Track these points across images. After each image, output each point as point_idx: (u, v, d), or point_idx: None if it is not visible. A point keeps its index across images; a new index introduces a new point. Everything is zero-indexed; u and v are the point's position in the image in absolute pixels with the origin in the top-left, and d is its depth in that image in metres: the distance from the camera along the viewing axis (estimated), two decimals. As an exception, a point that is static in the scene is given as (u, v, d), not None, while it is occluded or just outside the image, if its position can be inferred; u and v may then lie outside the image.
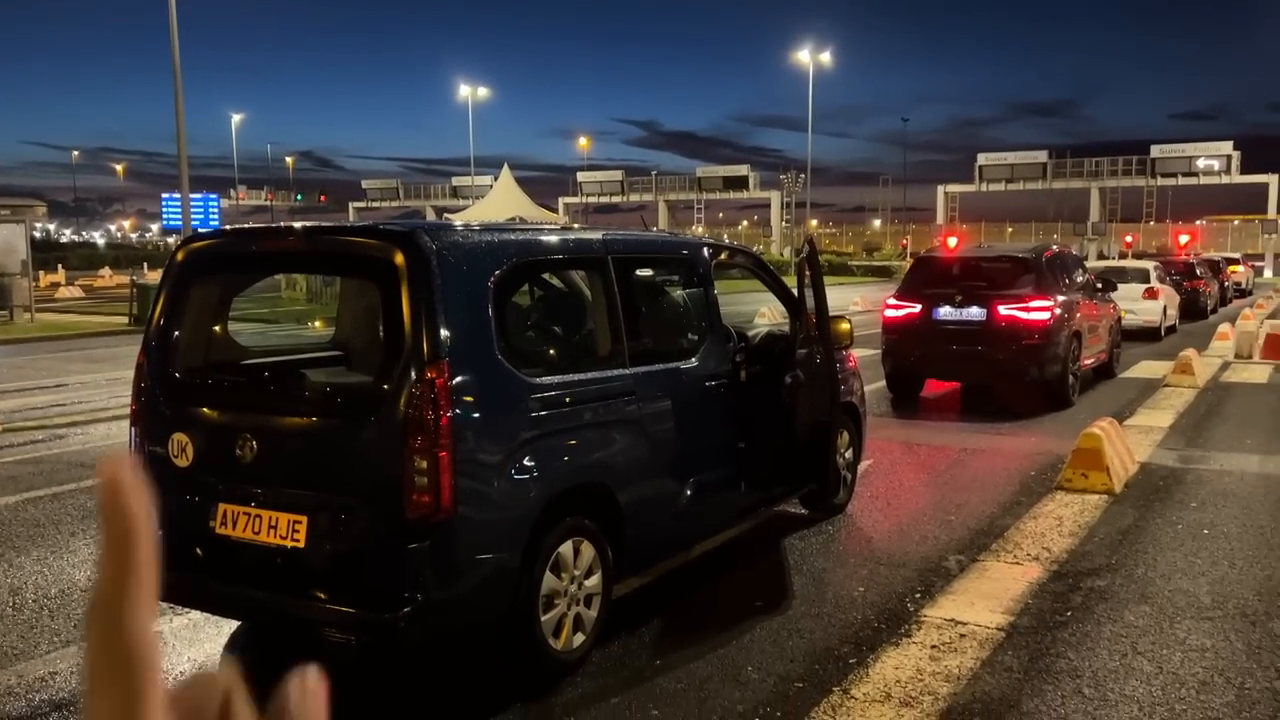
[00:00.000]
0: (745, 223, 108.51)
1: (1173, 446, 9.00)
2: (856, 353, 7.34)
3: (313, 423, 3.99)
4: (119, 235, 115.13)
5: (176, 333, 4.37)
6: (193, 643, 4.59)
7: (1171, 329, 20.73)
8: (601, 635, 4.44)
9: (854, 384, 6.99)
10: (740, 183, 79.57)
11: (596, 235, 4.91)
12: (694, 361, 5.20)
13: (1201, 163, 66.11)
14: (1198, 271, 26.16)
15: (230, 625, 4.72)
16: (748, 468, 5.59)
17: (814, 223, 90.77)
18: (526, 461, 4.00)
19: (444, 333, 3.73)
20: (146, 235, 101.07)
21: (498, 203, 38.87)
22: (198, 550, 4.11)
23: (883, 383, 11.86)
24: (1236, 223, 74.17)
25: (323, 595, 3.78)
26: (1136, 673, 4.22)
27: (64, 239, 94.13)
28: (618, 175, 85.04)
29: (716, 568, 5.74)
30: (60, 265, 46.19)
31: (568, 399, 4.28)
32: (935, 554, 5.93)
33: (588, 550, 4.33)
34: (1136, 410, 10.96)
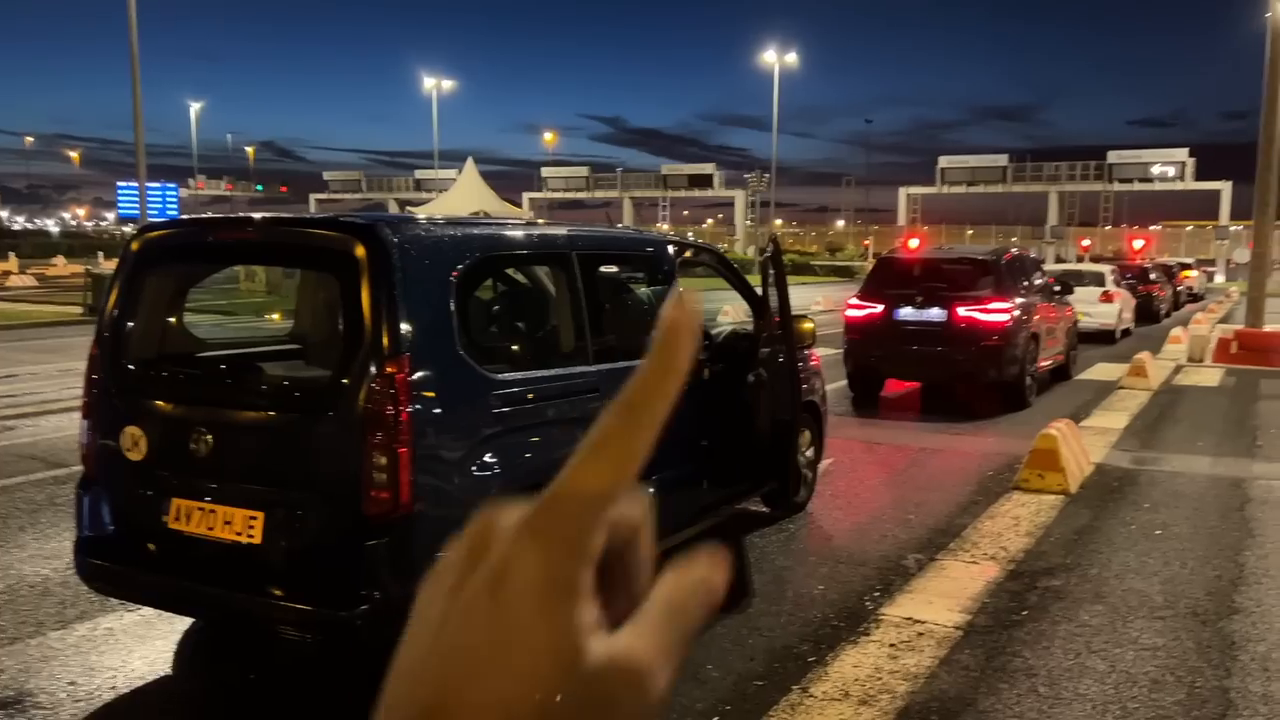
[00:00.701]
0: (710, 221, 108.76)
1: (1127, 448, 9.16)
2: (819, 352, 7.37)
3: (270, 417, 3.93)
4: (74, 223, 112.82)
5: (130, 324, 4.28)
6: (145, 640, 4.50)
7: (1127, 332, 21.09)
8: (562, 633, 4.41)
9: (816, 383, 7.02)
10: (705, 181, 79.86)
11: (561, 231, 4.89)
12: (658, 359, 5.18)
13: (1157, 169, 67.43)
14: (1152, 276, 26.64)
15: (184, 622, 4.64)
16: (710, 466, 5.59)
17: (778, 222, 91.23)
18: (488, 458, 3.96)
19: (405, 327, 3.68)
20: (102, 224, 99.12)
21: (462, 197, 38.60)
22: (151, 546, 4.03)
23: (844, 382, 11.94)
24: (1190, 228, 75.67)
25: (279, 592, 3.72)
26: (1090, 671, 4.28)
27: (16, 226, 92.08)
28: (583, 171, 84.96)
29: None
30: (12, 253, 45.13)
31: (530, 395, 4.25)
32: (894, 553, 5.98)
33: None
34: (1092, 412, 11.13)
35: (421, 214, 6.79)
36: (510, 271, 5.36)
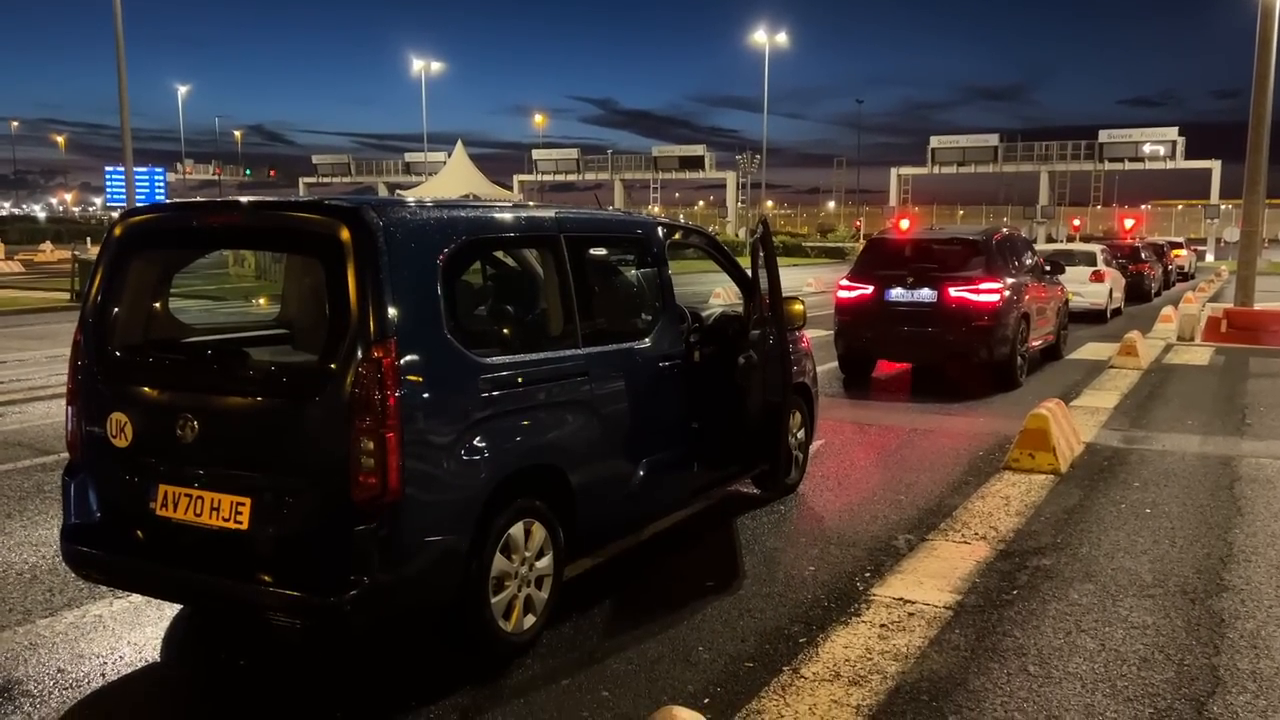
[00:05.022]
0: (701, 203, 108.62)
1: (1117, 427, 9.18)
2: (809, 333, 7.36)
3: (256, 402, 3.89)
4: (61, 209, 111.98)
5: (115, 309, 4.24)
6: (134, 626, 4.48)
7: (1117, 311, 21.15)
8: (552, 617, 4.42)
9: (807, 364, 7.01)
10: (696, 163, 79.59)
11: (549, 213, 4.85)
12: (647, 342, 5.16)
13: (1148, 148, 67.44)
14: (1142, 255, 26.69)
15: (173, 609, 4.62)
16: (700, 448, 5.58)
17: (770, 204, 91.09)
18: (476, 442, 3.94)
19: (391, 311, 3.65)
20: (90, 209, 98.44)
21: (451, 180, 38.44)
22: (138, 533, 4.00)
23: (835, 363, 11.94)
24: (1180, 208, 75.81)
25: (267, 578, 3.70)
26: (1080, 650, 4.29)
27: (3, 212, 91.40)
28: (573, 153, 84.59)
29: (668, 548, 5.73)
30: (-2, 239, 44.84)
31: (519, 379, 4.23)
32: (885, 533, 5.98)
33: (539, 532, 4.29)
34: (1082, 391, 11.16)
35: (411, 197, 6.72)
36: (498, 254, 5.32)
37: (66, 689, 3.90)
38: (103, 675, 4.03)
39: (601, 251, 5.72)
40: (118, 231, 4.28)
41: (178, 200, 4.93)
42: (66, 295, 21.08)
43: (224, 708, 3.85)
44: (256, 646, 4.35)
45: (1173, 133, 67.33)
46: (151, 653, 4.28)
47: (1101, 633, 4.48)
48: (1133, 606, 4.80)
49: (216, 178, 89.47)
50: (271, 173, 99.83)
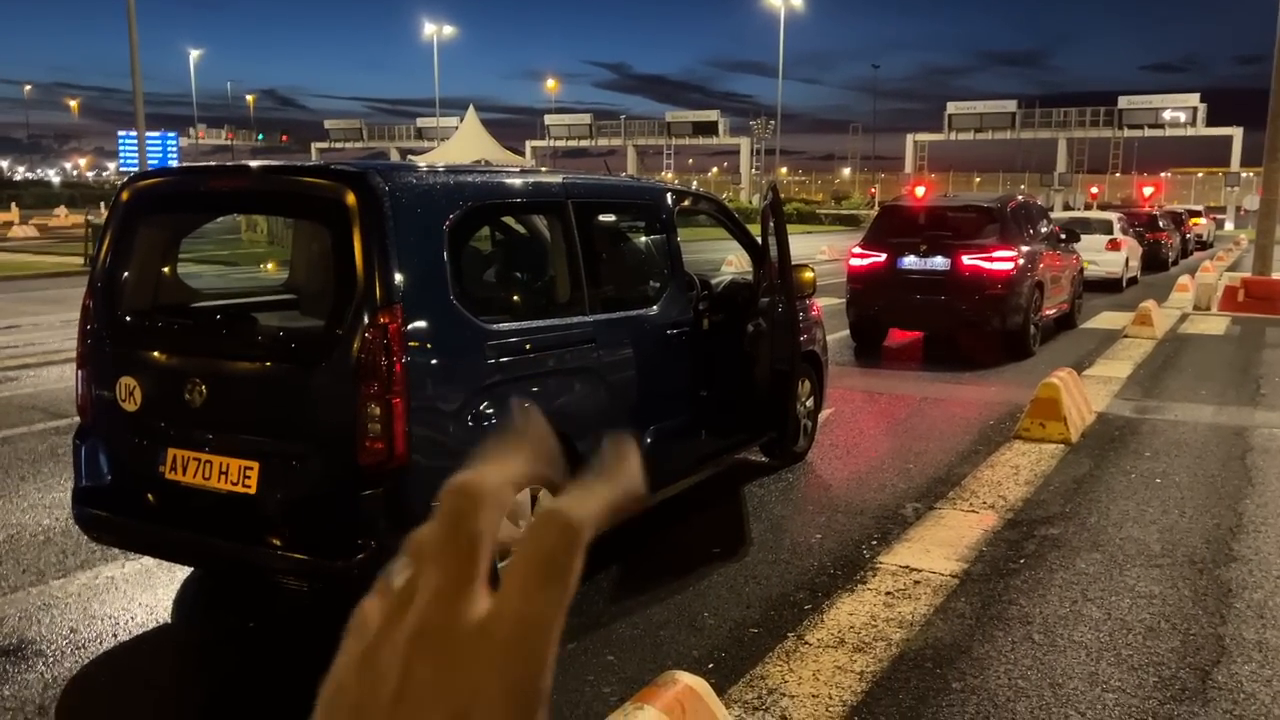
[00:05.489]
0: (715, 169, 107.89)
1: (1130, 397, 9.13)
2: (821, 301, 7.32)
3: (264, 367, 3.91)
4: (75, 174, 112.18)
5: (124, 274, 4.25)
6: (146, 588, 4.54)
7: (1133, 280, 20.95)
8: (559, 582, 4.44)
9: (816, 333, 6.98)
10: (710, 128, 78.95)
11: (556, 179, 4.82)
12: (655, 309, 5.15)
13: (1168, 114, 66.51)
14: (1160, 223, 26.39)
15: (185, 571, 4.67)
16: (708, 416, 5.58)
17: (784, 170, 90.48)
18: (484, 408, 3.95)
19: (397, 277, 3.65)
20: (103, 174, 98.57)
21: (463, 145, 38.32)
22: (148, 496, 4.04)
23: (847, 331, 11.90)
24: (1200, 175, 74.92)
25: (275, 542, 3.73)
26: (1086, 619, 4.29)
27: (18, 177, 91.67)
28: (586, 119, 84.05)
29: (675, 515, 5.75)
30: (13, 204, 44.95)
31: (526, 346, 4.22)
32: (893, 502, 5.98)
33: (546, 499, 4.30)
34: (1095, 361, 11.09)
35: (422, 162, 6.70)
36: (505, 220, 5.30)
37: (79, 648, 3.96)
38: (114, 636, 4.09)
39: (610, 218, 5.69)
40: (125, 196, 4.28)
41: (185, 165, 4.93)
42: (80, 260, 21.14)
43: (234, 669, 3.90)
44: (266, 609, 4.39)
45: (1194, 99, 66.32)
46: (163, 614, 4.33)
47: (1107, 602, 4.48)
48: (1140, 576, 4.79)
49: (229, 143, 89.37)
50: (284, 138, 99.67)
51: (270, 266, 14.01)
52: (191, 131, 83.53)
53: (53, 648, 3.96)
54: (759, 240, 5.98)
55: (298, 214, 4.67)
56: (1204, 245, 37.17)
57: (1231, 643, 4.08)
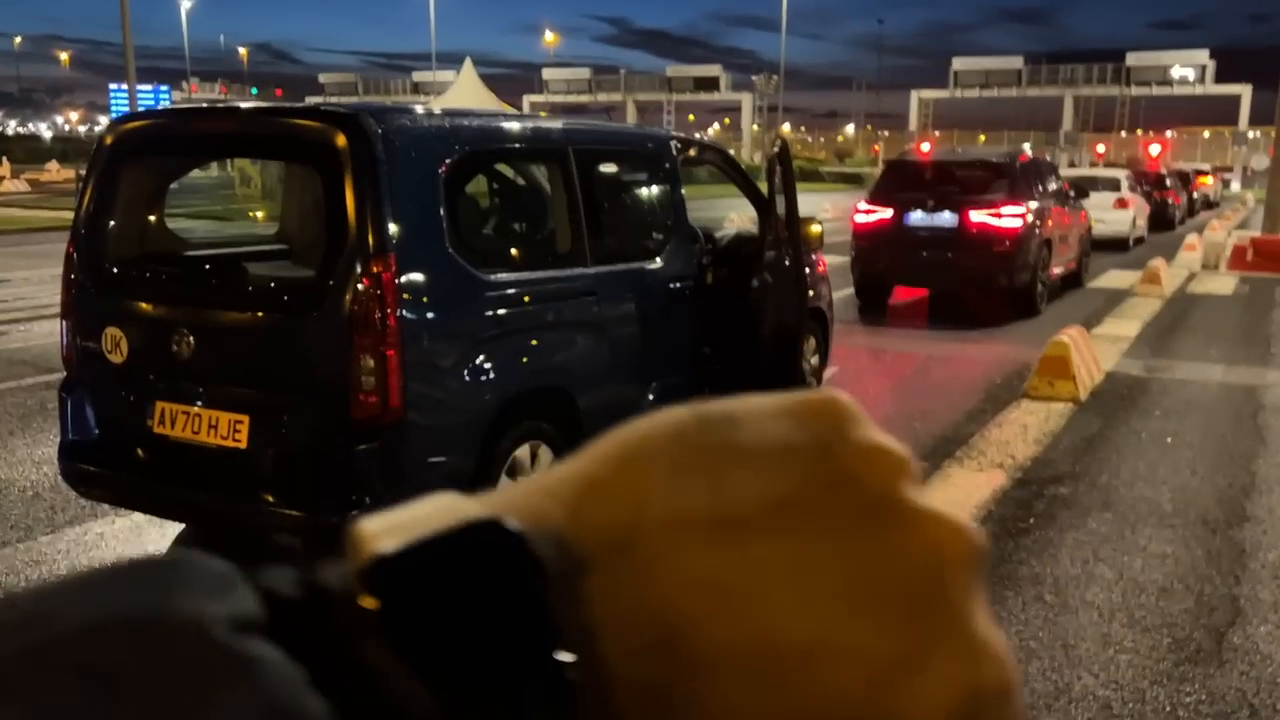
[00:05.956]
0: (716, 125, 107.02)
1: (1138, 356, 9.00)
2: (826, 259, 7.16)
3: (254, 319, 3.77)
4: (66, 128, 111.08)
5: (109, 221, 4.10)
6: (136, 544, 4.44)
7: (1140, 239, 20.75)
8: (559, 540, 4.34)
9: (823, 289, 6.83)
10: (712, 84, 78.15)
11: (557, 125, 4.65)
12: (659, 262, 5.00)
13: (1176, 71, 65.77)
14: (1167, 182, 26.12)
15: (176, 527, 4.57)
16: (712, 372, 5.45)
17: (786, 127, 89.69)
18: (481, 362, 3.82)
19: (391, 225, 3.49)
20: (95, 129, 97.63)
21: (459, 99, 37.81)
22: (138, 450, 3.92)
23: (851, 290, 11.74)
24: (1207, 134, 74.27)
25: (267, 498, 3.62)
26: (1097, 579, 4.20)
27: (8, 131, 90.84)
28: (585, 73, 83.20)
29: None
30: (4, 158, 44.50)
31: (525, 298, 4.08)
32: (899, 460, 5.87)
33: (546, 455, 4.19)
34: (1104, 319, 10.96)
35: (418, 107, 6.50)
36: (503, 167, 5.13)
37: (68, 606, 3.86)
38: (104, 593, 3.99)
39: (612, 167, 5.52)
40: (109, 140, 4.12)
41: (170, 107, 4.75)
42: (72, 215, 20.94)
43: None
44: (259, 565, 4.30)
45: (1203, 56, 65.51)
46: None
47: (1119, 562, 4.38)
48: (1152, 536, 4.70)
49: (223, 97, 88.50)
50: (278, 92, 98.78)
51: (260, 215, 13.79)
52: (184, 85, 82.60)
53: (40, 605, 3.86)
54: (765, 193, 5.82)
55: (287, 158, 4.51)
56: (1211, 205, 36.88)
57: (1246, 604, 3.99)
